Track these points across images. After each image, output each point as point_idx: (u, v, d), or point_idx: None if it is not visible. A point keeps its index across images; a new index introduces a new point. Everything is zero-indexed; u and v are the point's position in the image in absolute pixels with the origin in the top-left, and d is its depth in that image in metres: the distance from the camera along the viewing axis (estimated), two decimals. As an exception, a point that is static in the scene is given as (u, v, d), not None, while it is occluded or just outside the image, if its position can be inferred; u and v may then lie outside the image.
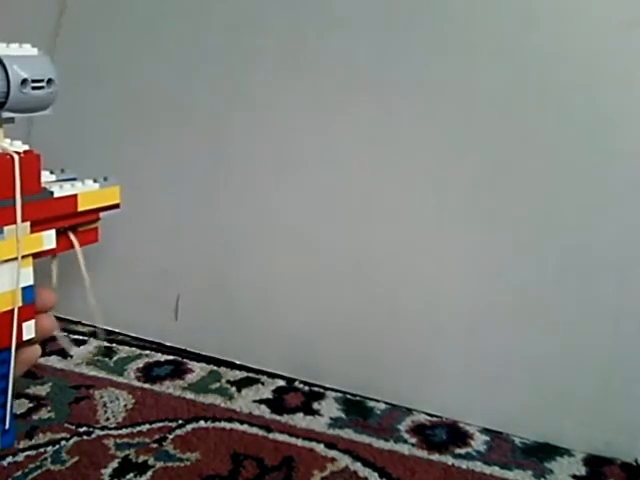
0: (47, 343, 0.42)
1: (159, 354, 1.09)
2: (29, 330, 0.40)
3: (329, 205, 0.98)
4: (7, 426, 0.39)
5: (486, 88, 0.87)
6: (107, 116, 1.11)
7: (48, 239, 0.40)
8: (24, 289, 0.39)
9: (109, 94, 1.10)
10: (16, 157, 0.36)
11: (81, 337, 1.12)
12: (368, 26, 0.92)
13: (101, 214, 0.44)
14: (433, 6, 0.88)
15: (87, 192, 0.42)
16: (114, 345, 1.11)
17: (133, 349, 1.10)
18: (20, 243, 0.37)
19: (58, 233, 0.41)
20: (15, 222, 0.37)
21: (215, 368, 1.05)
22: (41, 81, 0.37)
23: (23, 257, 0.38)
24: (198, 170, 1.07)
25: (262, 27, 0.99)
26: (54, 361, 1.03)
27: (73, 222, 0.42)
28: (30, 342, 0.40)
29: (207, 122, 1.05)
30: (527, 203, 0.87)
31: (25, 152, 0.38)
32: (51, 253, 0.41)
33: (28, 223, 0.38)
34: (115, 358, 1.07)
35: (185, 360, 1.07)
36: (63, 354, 1.05)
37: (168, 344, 1.11)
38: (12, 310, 0.38)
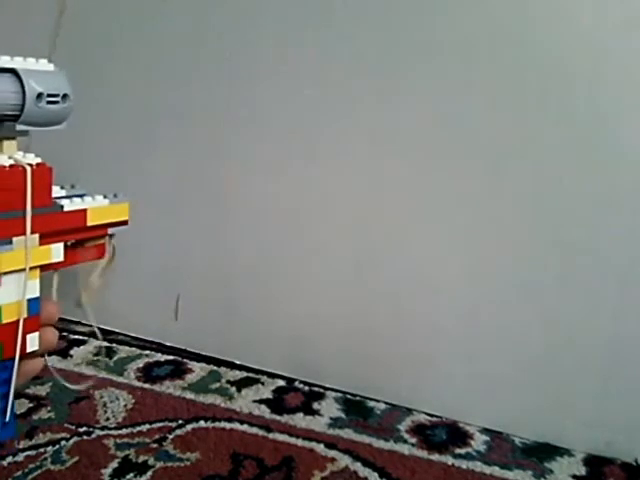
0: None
1: (159, 354, 1.09)
2: (33, 342, 0.39)
3: (329, 205, 0.98)
4: (7, 419, 0.39)
5: (486, 88, 0.87)
6: (105, 118, 1.11)
7: (56, 252, 0.40)
8: (30, 301, 0.39)
9: (107, 97, 1.10)
10: (28, 169, 0.36)
11: (81, 337, 1.12)
12: (368, 26, 0.92)
13: (110, 230, 0.44)
14: (433, 6, 0.88)
15: (96, 207, 0.42)
16: (114, 345, 1.11)
17: (133, 349, 1.10)
18: (29, 254, 0.37)
19: (65, 247, 0.41)
20: (25, 233, 0.37)
21: (215, 368, 1.05)
22: (56, 96, 0.38)
23: (31, 269, 0.38)
24: (198, 170, 1.07)
25: (262, 27, 0.99)
26: (54, 361, 1.02)
27: (82, 236, 0.42)
28: (33, 355, 0.40)
29: (207, 123, 1.04)
30: (528, 203, 0.87)
31: (37, 165, 0.38)
32: (59, 267, 0.41)
33: (37, 235, 0.38)
34: (115, 358, 1.07)
35: (185, 360, 1.07)
36: (63, 354, 1.05)
37: (168, 344, 1.12)
38: (17, 321, 0.38)
